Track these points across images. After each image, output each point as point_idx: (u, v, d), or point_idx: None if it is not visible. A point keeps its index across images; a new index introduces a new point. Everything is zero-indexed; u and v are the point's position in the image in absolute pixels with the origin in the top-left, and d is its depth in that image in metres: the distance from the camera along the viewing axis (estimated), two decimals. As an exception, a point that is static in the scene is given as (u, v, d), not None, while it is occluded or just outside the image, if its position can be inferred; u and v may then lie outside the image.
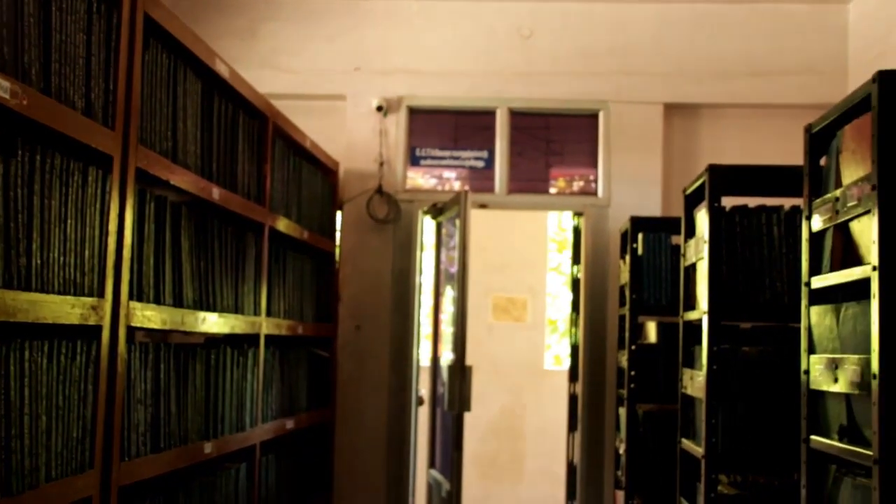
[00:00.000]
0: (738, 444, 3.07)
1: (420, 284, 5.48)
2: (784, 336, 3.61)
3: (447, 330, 5.20)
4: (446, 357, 5.05)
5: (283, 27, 5.48)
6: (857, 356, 2.17)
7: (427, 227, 5.60)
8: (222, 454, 3.23)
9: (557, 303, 9.17)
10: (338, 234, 5.31)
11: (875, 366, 2.04)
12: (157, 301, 2.67)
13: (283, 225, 3.99)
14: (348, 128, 5.42)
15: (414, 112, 5.47)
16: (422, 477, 5.51)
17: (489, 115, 5.46)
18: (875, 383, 2.04)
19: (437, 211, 5.28)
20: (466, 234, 4.60)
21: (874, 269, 2.06)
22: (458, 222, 4.71)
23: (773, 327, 3.67)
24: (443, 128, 5.52)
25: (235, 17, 5.47)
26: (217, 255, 3.18)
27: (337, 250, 5.29)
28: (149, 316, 2.58)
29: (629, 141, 5.32)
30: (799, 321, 3.14)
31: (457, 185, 5.46)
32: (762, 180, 3.24)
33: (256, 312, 3.64)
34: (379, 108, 5.35)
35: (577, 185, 5.45)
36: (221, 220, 3.25)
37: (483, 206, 5.46)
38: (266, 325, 3.73)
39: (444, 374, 4.97)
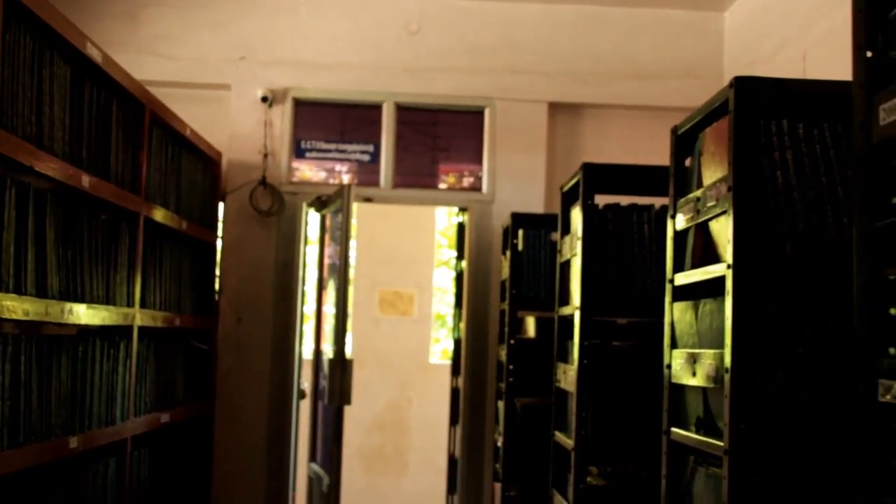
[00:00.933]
0: (608, 436, 3.15)
1: (304, 277, 5.44)
2: (654, 331, 3.73)
3: (330, 323, 5.17)
4: (328, 350, 5.03)
5: (166, 13, 5.35)
6: (712, 351, 2.25)
7: (312, 219, 5.56)
8: (90, 449, 3.15)
9: (446, 298, 9.23)
10: (220, 226, 5.23)
11: (728, 360, 2.12)
12: (18, 291, 2.58)
13: (160, 215, 3.90)
14: (232, 118, 5.33)
15: (300, 104, 5.42)
16: (303, 471, 5.48)
17: (376, 109, 5.46)
18: (727, 377, 2.12)
19: (321, 204, 5.25)
20: (349, 227, 4.59)
21: (729, 267, 2.15)
22: (341, 216, 4.70)
23: (646, 323, 3.78)
24: (329, 120, 5.49)
25: (115, 1, 5.32)
26: (87, 245, 3.09)
27: (219, 242, 5.20)
28: (9, 306, 2.49)
29: (514, 138, 5.39)
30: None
31: (344, 179, 5.44)
32: (634, 179, 3.33)
33: (130, 304, 3.55)
34: (264, 99, 5.29)
35: (463, 181, 5.50)
36: (92, 208, 3.16)
37: (368, 199, 5.46)
38: (140, 317, 3.64)
39: (326, 367, 4.95)
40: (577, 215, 3.33)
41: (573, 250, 3.35)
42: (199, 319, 4.68)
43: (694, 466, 2.40)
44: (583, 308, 3.16)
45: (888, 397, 1.43)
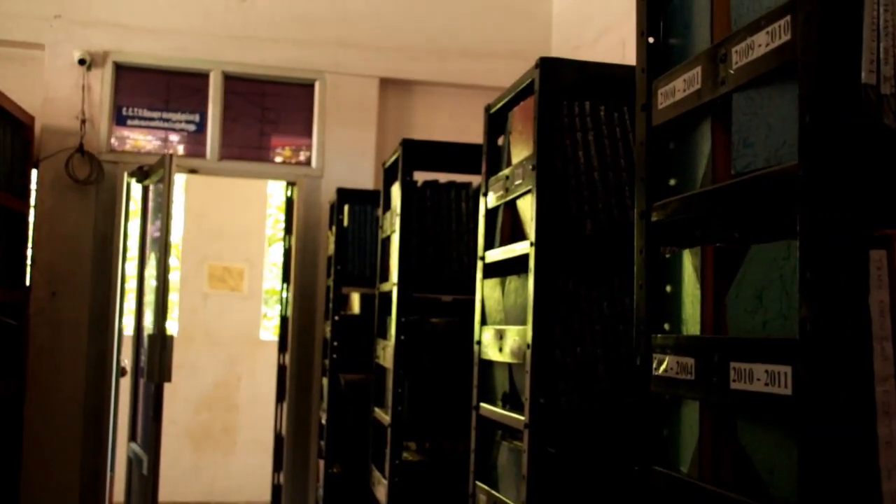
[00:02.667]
0: (425, 412, 3.17)
1: (125, 250, 5.23)
2: (470, 308, 3.78)
3: (151, 298, 4.99)
4: (149, 326, 4.86)
5: (-27, -34, 5.01)
6: (517, 327, 2.30)
7: (134, 190, 5.34)
8: None
9: (280, 273, 9.08)
10: (33, 195, 4.96)
11: (529, 336, 2.17)
12: None
13: (-42, 182, 3.66)
14: (46, 80, 5.05)
15: (121, 69, 5.19)
16: (124, 450, 5.29)
17: (202, 77, 5.29)
18: (529, 353, 2.17)
19: (143, 174, 5.05)
20: (170, 199, 4.43)
21: (532, 244, 2.19)
22: (162, 187, 4.53)
23: (464, 300, 3.82)
24: (153, 87, 5.28)
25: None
26: None
27: (31, 211, 4.93)
28: None
29: (345, 113, 5.34)
30: (480, 293, 3.29)
31: (169, 149, 5.25)
32: (453, 157, 3.35)
33: (-79, 277, 3.32)
34: (81, 62, 5.03)
35: (292, 154, 5.41)
36: None
37: (193, 171, 5.29)
38: (-67, 291, 3.41)
39: (146, 343, 4.78)
40: (396, 192, 3.32)
41: (392, 227, 3.35)
42: (6, 293, 4.43)
43: (499, 441, 2.45)
44: (400, 284, 3.17)
45: (661, 370, 1.48)
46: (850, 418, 1.07)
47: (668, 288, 1.53)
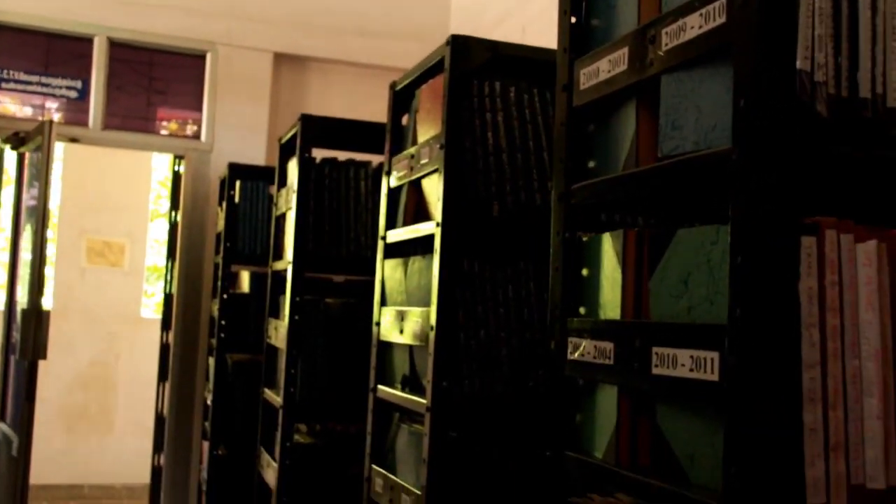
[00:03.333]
0: (319, 393, 3.10)
1: (-3, 222, 4.96)
2: (368, 289, 3.72)
3: (26, 272, 4.74)
4: (22, 301, 4.62)
5: None
6: (419, 309, 2.25)
7: (7, 158, 5.06)
8: None
9: (163, 250, 8.81)
10: None
11: (433, 318, 2.13)
12: None
13: None
14: (-86, 38, 4.73)
15: (-3, 29, 4.90)
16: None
17: (86, 42, 5.04)
18: (432, 335, 2.13)
19: (18, 141, 4.79)
20: (49, 168, 4.21)
21: (438, 225, 2.14)
22: (40, 155, 4.30)
23: (362, 281, 3.76)
24: (31, 50, 5.00)
25: None
26: None
27: None
28: None
29: (237, 87, 5.17)
30: (378, 274, 3.23)
31: (49, 115, 4.98)
32: (353, 135, 3.28)
33: None
34: (-47, 20, 4.72)
35: (180, 127, 5.22)
36: None
37: (74, 140, 5.05)
38: None
39: (19, 318, 4.54)
40: (293, 168, 3.23)
41: (288, 204, 3.26)
42: None
43: (398, 424, 2.40)
44: (295, 263, 3.08)
45: (576, 355, 1.46)
46: (776, 405, 1.07)
47: (585, 272, 1.52)
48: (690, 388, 1.17)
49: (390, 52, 5.36)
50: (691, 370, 1.17)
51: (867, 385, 1.11)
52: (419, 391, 2.33)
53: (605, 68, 1.43)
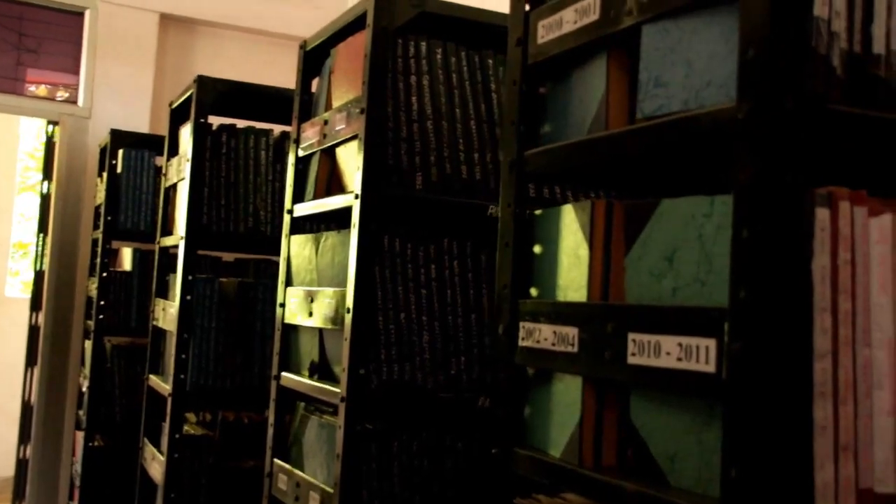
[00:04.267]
0: (212, 380, 2.86)
1: None
2: (264, 267, 3.50)
3: None
4: None
5: None
6: (333, 289, 2.06)
7: None
8: None
9: (30, 225, 8.27)
10: None
11: (350, 299, 1.94)
12: None
13: None
14: None
15: None
16: None
17: (-52, -6, 4.60)
18: (349, 318, 1.94)
19: None
20: None
21: (356, 197, 1.95)
22: None
23: (253, 259, 3.53)
24: None
25: None
26: None
27: None
28: None
29: (118, 48, 4.82)
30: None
31: None
32: (254, 101, 3.03)
33: None
34: None
35: (54, 90, 4.83)
36: None
37: (-67, 101, 4.61)
38: None
39: None
40: (186, 135, 2.97)
41: (180, 174, 3.00)
42: None
43: (305, 414, 2.20)
44: (188, 239, 2.83)
45: (530, 341, 1.30)
46: (785, 400, 0.93)
47: (538, 249, 1.36)
48: (677, 379, 1.02)
49: (284, 18, 5.10)
50: (679, 359, 1.02)
51: (878, 377, 0.99)
52: (331, 379, 2.14)
53: (569, 19, 1.27)
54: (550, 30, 1.31)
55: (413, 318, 2.01)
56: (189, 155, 2.84)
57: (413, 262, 2.02)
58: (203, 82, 2.87)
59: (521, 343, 1.33)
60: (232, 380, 2.85)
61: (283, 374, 2.34)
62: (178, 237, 2.93)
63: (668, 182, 1.34)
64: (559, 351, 1.23)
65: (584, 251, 1.22)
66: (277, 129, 3.03)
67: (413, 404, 2.00)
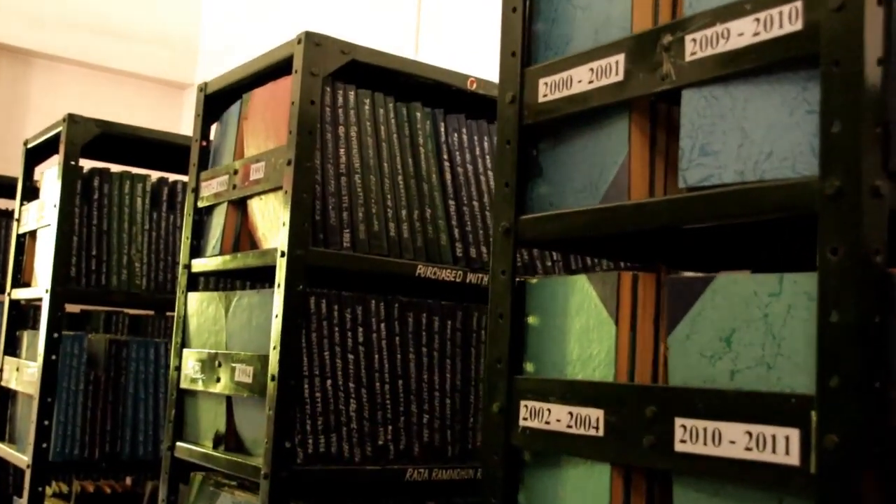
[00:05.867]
0: (77, 449, 2.58)
1: None
2: (146, 325, 3.24)
3: None
4: None
5: None
6: (250, 354, 1.89)
7: None
8: None
9: None
10: None
11: (274, 366, 1.77)
12: None
13: None
14: None
15: None
16: None
17: None
18: (272, 386, 1.77)
19: None
20: None
21: (283, 255, 1.80)
22: None
23: (140, 316, 3.27)
24: None
25: None
26: None
27: None
28: None
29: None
30: (165, 307, 2.80)
31: None
32: (127, 145, 2.80)
33: None
34: None
35: None
36: None
37: None
38: None
39: None
40: (51, 178, 2.70)
41: (41, 220, 2.71)
42: None
43: (213, 490, 2.00)
44: (55, 292, 2.56)
45: (535, 422, 1.21)
46: (880, 494, 0.88)
47: (534, 320, 1.27)
48: (746, 470, 0.95)
49: (134, 56, 4.83)
50: (748, 449, 0.95)
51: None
52: (240, 451, 1.95)
53: (583, 77, 1.20)
54: (556, 88, 1.24)
55: (340, 386, 1.87)
56: (56, 200, 2.58)
57: (340, 325, 1.88)
58: (74, 121, 2.62)
59: (522, 423, 1.23)
60: (101, 449, 2.58)
61: (180, 444, 2.12)
62: (39, 289, 2.65)
63: (677, 252, 1.29)
64: (577, 434, 1.14)
65: (608, 327, 1.14)
66: (153, 174, 2.81)
67: (339, 479, 1.85)
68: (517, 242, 1.28)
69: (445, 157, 2.06)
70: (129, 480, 3.18)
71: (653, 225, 1.09)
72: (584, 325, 1.17)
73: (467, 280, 2.02)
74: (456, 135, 2.09)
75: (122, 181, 2.69)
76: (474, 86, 2.09)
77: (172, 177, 2.82)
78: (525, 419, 1.22)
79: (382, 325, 1.93)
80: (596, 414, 1.12)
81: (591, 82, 1.19)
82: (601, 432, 1.11)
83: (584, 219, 1.18)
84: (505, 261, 1.29)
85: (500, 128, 1.32)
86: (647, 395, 1.06)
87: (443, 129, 2.07)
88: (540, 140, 1.30)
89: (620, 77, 1.15)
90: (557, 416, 1.17)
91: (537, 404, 1.21)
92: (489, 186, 2.11)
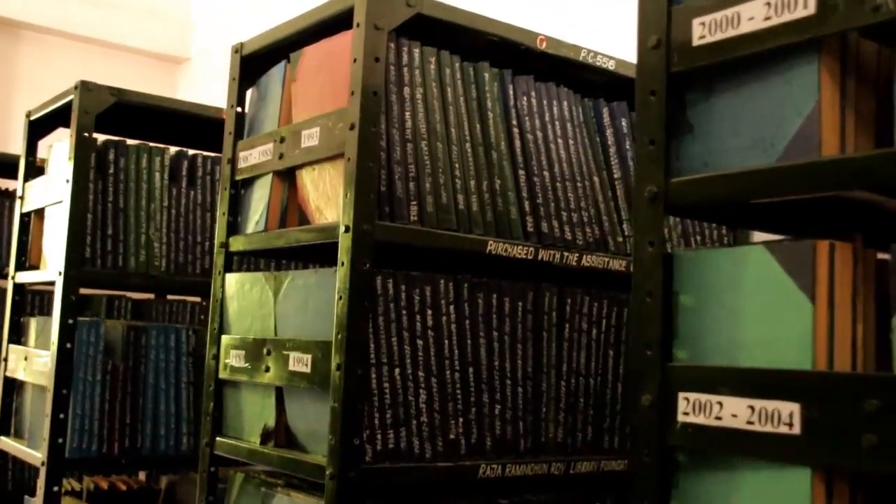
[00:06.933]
0: (96, 444, 2.37)
1: None
2: (141, 309, 3.04)
3: None
4: None
5: None
6: (307, 340, 1.70)
7: None
8: None
9: None
10: None
11: (338, 353, 1.59)
12: None
13: None
14: None
15: None
16: None
17: None
18: (338, 375, 1.59)
19: None
20: None
21: (347, 230, 1.61)
22: None
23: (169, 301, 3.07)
24: None
25: None
26: None
27: None
28: None
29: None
30: (187, 291, 2.61)
31: None
32: (143, 118, 2.58)
33: None
34: None
35: None
36: None
37: None
38: None
39: None
40: (61, 151, 2.49)
41: (49, 197, 2.50)
42: None
43: (266, 491, 1.81)
44: (68, 275, 2.35)
45: (701, 418, 1.03)
46: None
47: (687, 299, 1.09)
48: None
49: (125, 29, 4.59)
50: None
51: None
52: (294, 448, 1.77)
53: (755, 14, 1.02)
54: (718, 28, 1.06)
55: (409, 375, 1.69)
56: (69, 175, 2.36)
57: (408, 307, 1.69)
58: (88, 88, 2.41)
59: (682, 419, 1.05)
60: (120, 444, 2.38)
61: (220, 439, 1.93)
62: (50, 272, 2.44)
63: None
64: (763, 432, 0.97)
65: (801, 305, 0.96)
66: (171, 149, 2.59)
67: (410, 478, 1.67)
68: (667, 209, 1.11)
69: (514, 122, 1.88)
70: (142, 475, 2.98)
71: (860, 185, 0.92)
72: (765, 304, 1.00)
73: (539, 257, 1.85)
74: (525, 98, 1.90)
75: (140, 154, 2.48)
76: (544, 44, 1.91)
77: (191, 151, 2.61)
78: (686, 414, 1.05)
79: (451, 307, 1.75)
80: (789, 408, 0.95)
81: (767, 19, 1.01)
82: (797, 430, 0.94)
83: (761, 179, 1.01)
84: (653, 231, 1.11)
85: (642, 78, 1.14)
86: (867, 386, 0.89)
87: (511, 92, 1.88)
88: (688, 91, 1.13)
89: (811, 10, 0.97)
90: (733, 411, 1.00)
91: (703, 397, 1.03)
92: (559, 155, 1.93)
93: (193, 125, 2.60)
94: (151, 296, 3.28)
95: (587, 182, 1.97)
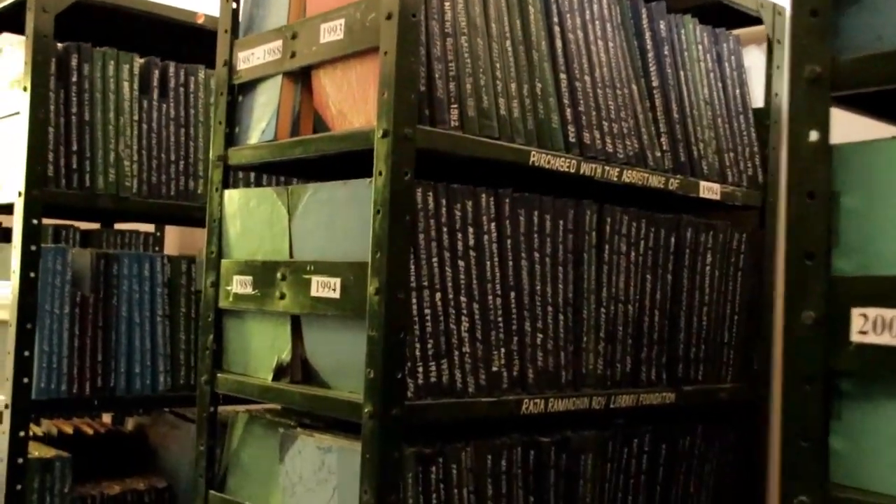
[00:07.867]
0: (65, 384, 2.14)
1: None
2: (91, 239, 2.78)
3: None
4: None
5: None
6: (336, 261, 1.50)
7: None
8: None
9: None
10: None
11: (377, 277, 1.39)
12: None
13: None
14: None
15: None
16: None
17: None
18: (377, 301, 1.39)
19: None
20: None
21: (384, 134, 1.40)
22: None
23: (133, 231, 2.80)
24: None
25: None
26: None
27: None
28: None
29: None
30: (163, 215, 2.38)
31: None
32: (107, 20, 2.30)
33: None
34: None
35: None
36: None
37: None
38: None
39: None
40: (13, 56, 2.20)
41: (7, 108, 2.22)
42: None
43: (285, 432, 1.61)
44: (30, 194, 2.08)
45: (878, 337, 0.88)
46: None
47: (849, 199, 0.93)
48: None
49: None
50: None
51: None
52: (313, 384, 1.57)
53: None
54: None
55: (450, 300, 1.50)
56: (27, 83, 2.09)
57: (449, 224, 1.50)
58: (47, -16, 2.12)
59: (856, 339, 0.90)
60: (92, 384, 2.15)
61: (221, 375, 1.73)
62: (7, 192, 2.17)
63: None
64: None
65: None
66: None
67: (453, 414, 1.49)
68: (833, 93, 0.93)
69: (556, 19, 1.68)
70: (106, 418, 2.76)
71: None
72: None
73: (581, 171, 1.67)
74: (566, -8, 1.71)
75: (106, 61, 2.21)
76: (588, -67, 1.71)
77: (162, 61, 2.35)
78: (864, 333, 0.89)
79: (493, 224, 1.56)
80: None
81: None
82: None
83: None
84: (815, 118, 0.94)
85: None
86: None
87: (552, -15, 1.68)
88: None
89: None
90: (923, 328, 0.84)
91: (886, 312, 0.87)
92: (599, 59, 1.75)
93: (163, 31, 2.33)
94: (97, 225, 3.03)
95: (626, 90, 1.79)
